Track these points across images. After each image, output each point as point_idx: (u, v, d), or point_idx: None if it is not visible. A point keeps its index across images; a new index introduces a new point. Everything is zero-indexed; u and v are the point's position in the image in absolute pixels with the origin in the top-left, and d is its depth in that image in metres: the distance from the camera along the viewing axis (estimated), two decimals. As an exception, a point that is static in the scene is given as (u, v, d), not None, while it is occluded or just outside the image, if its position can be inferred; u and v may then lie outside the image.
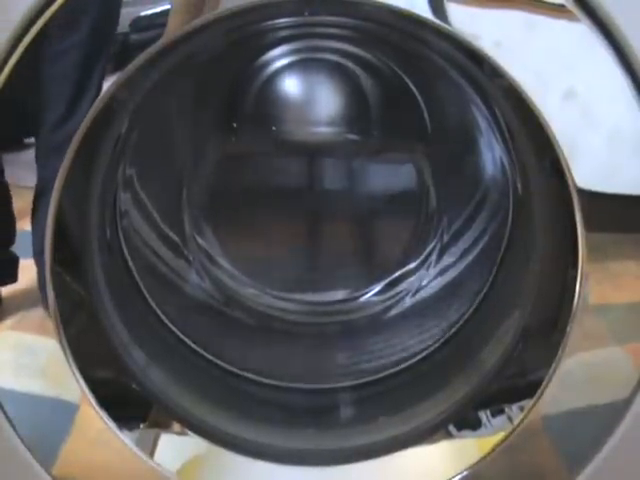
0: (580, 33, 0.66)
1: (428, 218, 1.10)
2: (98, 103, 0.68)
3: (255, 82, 1.08)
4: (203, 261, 1.08)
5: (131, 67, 0.68)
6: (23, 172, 0.72)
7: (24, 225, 0.72)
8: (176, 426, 0.82)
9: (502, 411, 0.78)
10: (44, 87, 0.71)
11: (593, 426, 0.75)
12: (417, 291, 1.07)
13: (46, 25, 0.66)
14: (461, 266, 1.03)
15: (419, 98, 1.06)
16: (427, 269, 1.07)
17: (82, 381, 0.74)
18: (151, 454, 0.78)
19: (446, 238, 1.07)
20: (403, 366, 0.94)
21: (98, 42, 0.70)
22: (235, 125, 1.10)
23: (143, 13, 0.69)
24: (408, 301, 1.06)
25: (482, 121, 0.94)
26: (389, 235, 1.14)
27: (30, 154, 0.72)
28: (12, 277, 0.74)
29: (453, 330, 0.94)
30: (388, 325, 1.06)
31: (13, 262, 0.73)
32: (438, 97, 1.05)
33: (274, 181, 1.12)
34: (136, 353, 0.84)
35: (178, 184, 1.07)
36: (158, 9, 0.68)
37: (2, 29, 0.66)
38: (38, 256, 0.72)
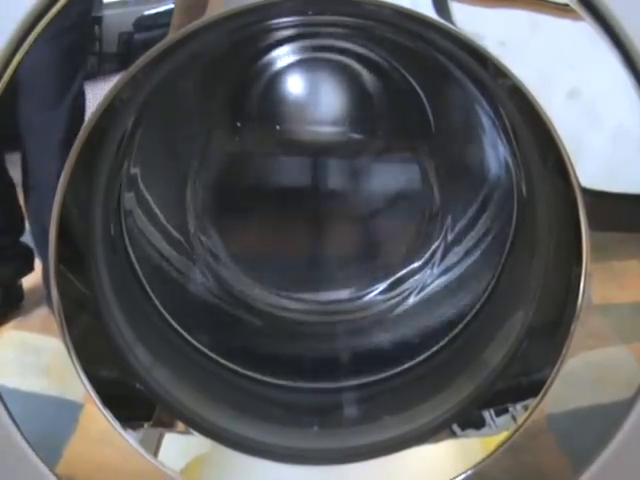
0: (584, 32, 0.66)
1: (432, 217, 1.10)
2: (102, 102, 0.68)
3: (259, 81, 1.07)
4: (207, 260, 1.08)
5: (135, 66, 0.68)
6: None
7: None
8: (180, 425, 0.82)
9: (506, 410, 0.78)
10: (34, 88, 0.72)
11: (597, 425, 0.75)
12: (421, 290, 1.06)
13: (47, 27, 0.66)
14: (465, 265, 1.03)
15: (423, 97, 1.06)
16: (431, 268, 1.07)
17: (86, 380, 0.75)
18: (155, 453, 0.78)
19: (450, 237, 1.07)
20: (407, 365, 0.94)
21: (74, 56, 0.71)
22: (239, 124, 1.10)
23: (147, 12, 0.69)
24: (412, 300, 1.06)
25: (486, 120, 0.94)
26: (393, 234, 1.14)
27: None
28: (30, 267, 0.74)
29: (457, 329, 0.94)
30: (392, 324, 1.05)
31: (28, 253, 0.73)
32: (442, 96, 1.05)
33: (278, 180, 1.12)
34: (140, 352, 0.84)
35: (182, 183, 1.07)
36: (162, 8, 0.69)
37: (4, 31, 0.66)
38: (39, 252, 0.72)
